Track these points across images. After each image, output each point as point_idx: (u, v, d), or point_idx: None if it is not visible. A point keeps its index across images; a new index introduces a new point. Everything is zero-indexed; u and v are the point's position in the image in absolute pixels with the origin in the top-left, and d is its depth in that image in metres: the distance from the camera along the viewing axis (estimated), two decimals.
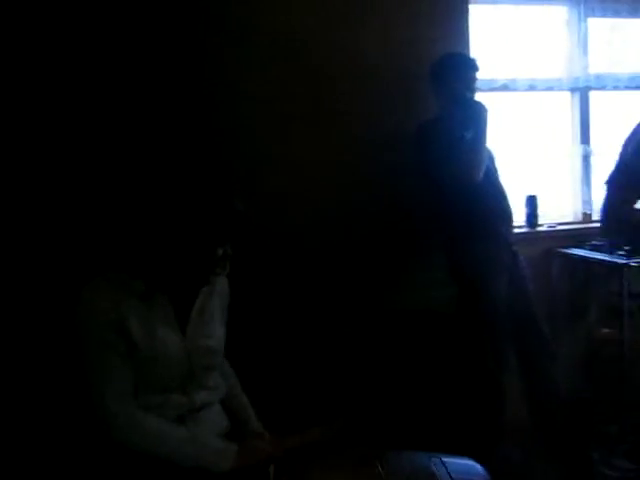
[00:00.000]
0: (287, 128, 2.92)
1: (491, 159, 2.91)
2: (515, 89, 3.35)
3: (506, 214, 2.89)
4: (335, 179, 2.98)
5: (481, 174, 2.68)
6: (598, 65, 3.52)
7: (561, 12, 3.49)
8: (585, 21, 3.46)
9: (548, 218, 3.48)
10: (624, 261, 2.90)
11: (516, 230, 3.27)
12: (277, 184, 2.88)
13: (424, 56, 2.95)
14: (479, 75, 2.92)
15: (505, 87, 3.33)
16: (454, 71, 2.84)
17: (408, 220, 3.07)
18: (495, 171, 2.92)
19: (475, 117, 2.73)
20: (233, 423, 1.87)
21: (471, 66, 2.88)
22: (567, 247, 3.26)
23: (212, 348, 1.78)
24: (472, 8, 3.20)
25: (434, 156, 2.77)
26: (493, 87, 3.28)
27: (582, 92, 3.51)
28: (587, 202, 3.55)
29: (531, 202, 3.35)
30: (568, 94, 3.54)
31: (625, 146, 3.16)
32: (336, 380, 2.90)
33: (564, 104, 3.56)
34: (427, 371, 2.96)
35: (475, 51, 3.16)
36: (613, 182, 3.18)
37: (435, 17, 3.08)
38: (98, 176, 2.64)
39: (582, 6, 3.45)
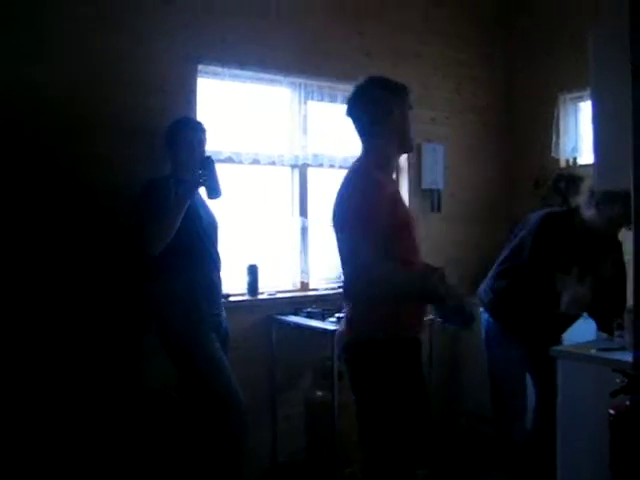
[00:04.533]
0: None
1: (214, 227, 2.98)
2: (240, 162, 3.50)
3: (213, 284, 2.93)
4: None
5: (159, 249, 2.70)
6: (317, 144, 3.83)
7: (285, 93, 3.76)
8: (305, 104, 3.77)
9: (270, 286, 3.62)
10: (334, 327, 3.12)
11: (238, 298, 3.40)
12: None
13: (156, 123, 3.03)
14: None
15: (230, 159, 3.47)
16: (181, 133, 2.92)
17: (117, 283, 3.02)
18: (215, 240, 2.99)
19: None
20: None
21: (199, 128, 2.98)
22: (285, 314, 3.43)
23: None
24: (201, 82, 3.33)
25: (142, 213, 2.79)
26: (219, 159, 3.39)
27: (301, 169, 3.80)
28: (305, 271, 3.79)
29: (252, 271, 3.48)
30: (289, 170, 3.80)
31: None
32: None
33: (285, 179, 3.81)
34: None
35: (203, 122, 3.26)
36: None
37: (165, 88, 3.17)
38: None
39: (302, 90, 3.75)
